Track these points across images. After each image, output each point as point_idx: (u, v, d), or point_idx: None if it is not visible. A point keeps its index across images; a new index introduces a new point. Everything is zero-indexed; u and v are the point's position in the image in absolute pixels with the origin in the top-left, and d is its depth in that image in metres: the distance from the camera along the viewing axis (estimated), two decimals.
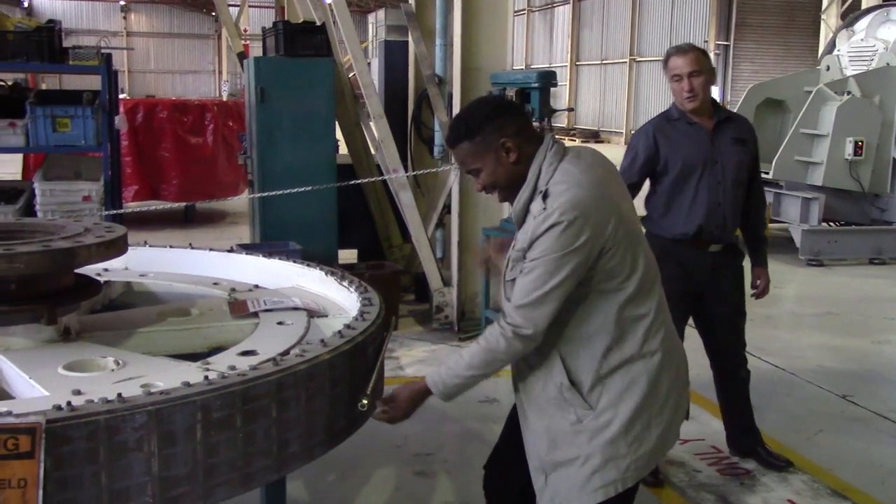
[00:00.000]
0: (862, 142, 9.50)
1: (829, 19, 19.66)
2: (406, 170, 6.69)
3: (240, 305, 3.03)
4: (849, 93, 9.89)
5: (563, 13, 36.18)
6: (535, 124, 5.95)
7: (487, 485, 2.83)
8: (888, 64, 10.14)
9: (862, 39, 10.79)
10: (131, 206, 9.08)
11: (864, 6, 15.00)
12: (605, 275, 2.32)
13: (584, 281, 2.31)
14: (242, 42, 13.86)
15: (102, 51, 7.05)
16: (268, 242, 6.00)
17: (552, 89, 5.93)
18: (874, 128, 9.70)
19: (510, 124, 2.39)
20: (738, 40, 26.68)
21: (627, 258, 2.33)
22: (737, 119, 4.06)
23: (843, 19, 13.88)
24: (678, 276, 3.78)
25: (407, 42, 7.53)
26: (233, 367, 2.30)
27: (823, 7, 20.53)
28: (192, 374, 2.28)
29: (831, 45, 11.64)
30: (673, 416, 2.47)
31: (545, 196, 2.30)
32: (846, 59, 10.78)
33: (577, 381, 2.38)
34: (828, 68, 10.94)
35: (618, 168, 3.76)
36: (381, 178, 6.67)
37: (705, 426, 4.58)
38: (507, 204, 6.44)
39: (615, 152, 24.80)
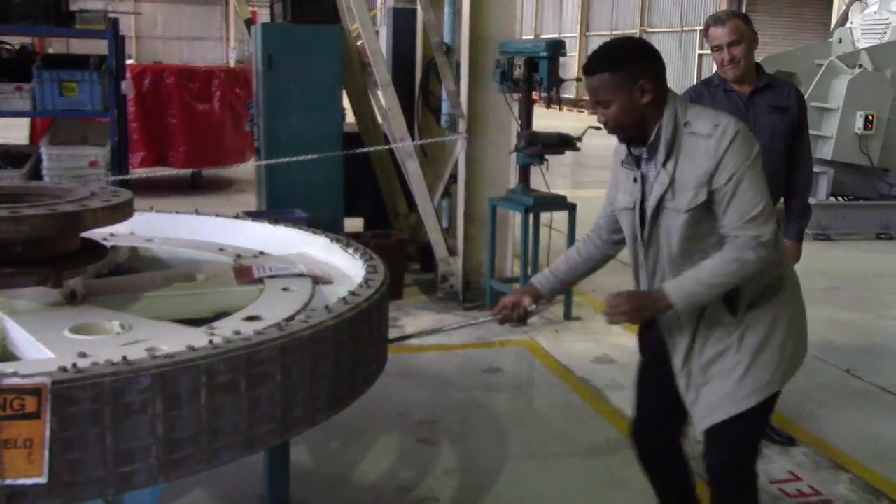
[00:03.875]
0: (872, 116, 9.42)
1: None
2: (413, 139, 6.67)
3: (245, 271, 3.03)
4: (860, 66, 9.79)
5: None
6: (543, 94, 5.93)
7: (640, 449, 2.95)
8: None
9: (875, 12, 10.67)
10: (138, 172, 9.07)
11: None
12: None
13: None
14: (250, 8, 13.77)
15: (109, 15, 7.01)
16: (274, 210, 6.00)
17: (561, 59, 5.89)
18: (885, 102, 9.61)
19: (652, 68, 2.48)
20: (751, 12, 26.32)
21: None
22: (779, 85, 3.97)
23: None
24: None
25: (415, 9, 7.47)
26: (237, 332, 2.30)
27: None
28: (197, 338, 2.29)
29: (844, 18, 11.52)
30: (805, 327, 2.72)
31: (688, 124, 2.45)
32: (858, 32, 10.67)
33: (742, 294, 2.52)
34: (840, 41, 10.82)
35: None
36: (387, 146, 6.65)
37: None
38: (513, 173, 6.43)
39: None
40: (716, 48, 3.80)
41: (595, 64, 2.47)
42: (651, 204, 2.52)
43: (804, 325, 2.72)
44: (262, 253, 3.41)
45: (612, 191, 2.74)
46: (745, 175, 2.40)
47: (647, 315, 2.56)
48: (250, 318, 2.54)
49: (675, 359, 2.65)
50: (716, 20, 3.81)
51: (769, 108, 3.86)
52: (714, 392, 2.57)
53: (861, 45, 10.36)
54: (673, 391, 2.69)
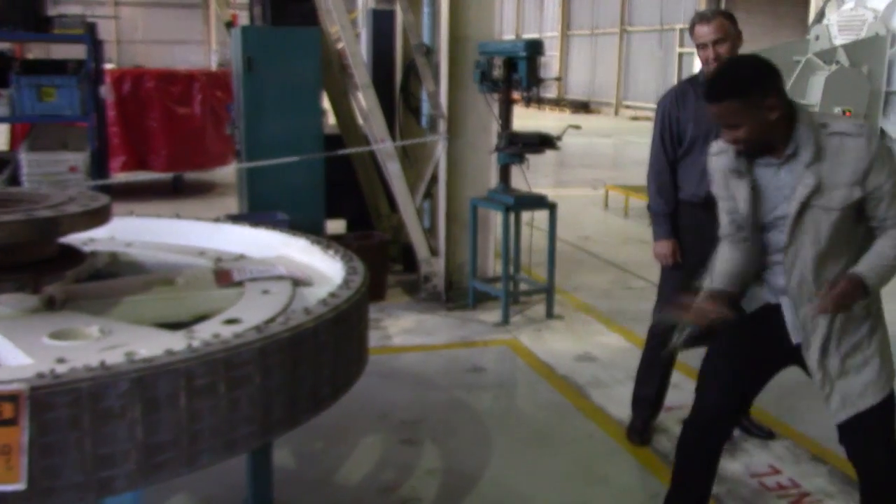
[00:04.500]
0: (850, 111, 9.50)
1: None
2: (394, 140, 6.68)
3: (225, 274, 3.04)
4: (837, 62, 9.87)
5: None
6: (523, 94, 5.95)
7: (696, 439, 3.01)
8: (877, 33, 10.11)
9: (851, 9, 10.75)
10: (119, 177, 9.04)
11: None
12: None
13: None
14: (230, 11, 13.73)
15: (87, 20, 6.99)
16: (256, 213, 6.00)
17: (542, 59, 5.92)
18: (862, 97, 9.69)
19: (774, 84, 2.56)
20: (729, 10, 26.53)
21: None
22: None
23: None
24: (694, 241, 3.91)
25: (394, 11, 7.48)
26: (217, 335, 2.31)
27: None
28: (176, 342, 2.29)
29: (820, 15, 11.59)
30: None
31: (826, 126, 2.59)
32: (835, 29, 10.74)
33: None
34: (817, 38, 10.89)
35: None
36: (368, 148, 6.66)
37: (689, 394, 4.61)
38: (494, 173, 6.41)
39: (606, 123, 24.47)
40: (701, 46, 3.82)
41: (720, 92, 2.55)
42: (794, 205, 2.60)
43: None
44: (242, 256, 3.41)
45: (730, 203, 2.81)
46: None
47: (851, 303, 2.61)
48: (230, 321, 2.55)
49: (811, 354, 2.73)
50: (702, 18, 3.83)
51: None
52: (854, 383, 2.71)
53: (838, 41, 10.43)
54: (750, 384, 2.95)
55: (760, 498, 3.66)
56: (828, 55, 10.07)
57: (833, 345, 2.72)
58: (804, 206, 2.60)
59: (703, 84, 3.91)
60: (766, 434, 4.21)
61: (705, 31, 3.78)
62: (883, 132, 9.91)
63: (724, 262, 2.89)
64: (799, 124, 2.58)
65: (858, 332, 2.72)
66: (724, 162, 2.77)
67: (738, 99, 2.52)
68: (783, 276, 2.74)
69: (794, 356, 2.82)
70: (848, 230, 2.64)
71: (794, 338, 2.77)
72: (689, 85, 4.01)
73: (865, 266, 2.61)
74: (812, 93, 9.61)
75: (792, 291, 2.73)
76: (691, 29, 3.89)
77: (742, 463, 3.96)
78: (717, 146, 2.84)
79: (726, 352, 2.96)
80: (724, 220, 2.88)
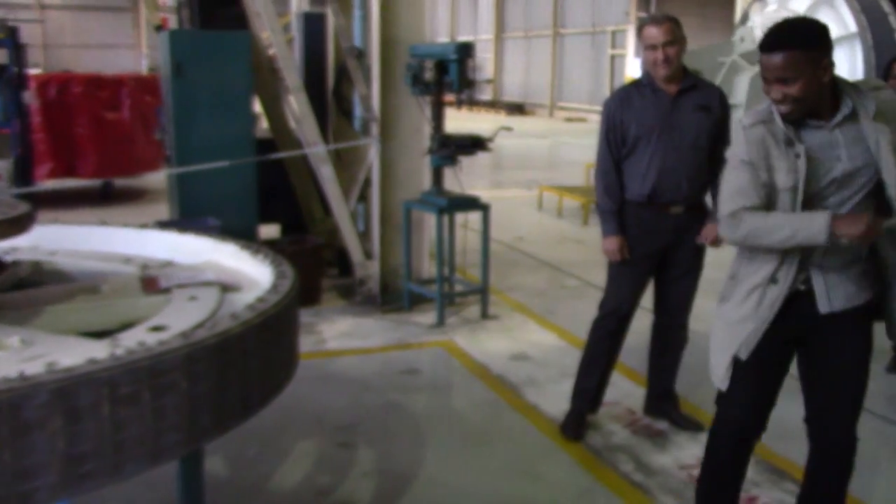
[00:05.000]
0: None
1: None
2: (327, 143, 6.66)
3: (151, 281, 3.00)
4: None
5: None
6: (456, 96, 6.00)
7: (741, 448, 3.07)
8: None
9: (774, 10, 11.05)
10: (46, 185, 8.84)
11: None
12: None
13: None
14: (160, 14, 13.51)
15: (9, 23, 6.83)
16: (186, 219, 5.92)
17: (476, 61, 5.97)
18: None
19: (831, 48, 2.59)
20: (660, 12, 27.04)
21: None
22: (704, 86, 4.12)
23: None
24: (641, 238, 4.05)
25: (326, 14, 7.46)
26: (141, 343, 2.29)
27: None
28: (99, 350, 2.27)
29: (745, 17, 11.90)
30: None
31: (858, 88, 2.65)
32: (759, 31, 11.02)
33: None
34: (742, 39, 11.17)
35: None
36: (300, 152, 6.63)
37: (622, 391, 4.71)
38: (427, 175, 6.42)
39: (541, 125, 24.68)
40: (650, 47, 3.91)
41: (783, 40, 2.54)
42: (884, 154, 2.61)
43: None
44: (169, 262, 3.38)
45: (766, 175, 2.69)
46: None
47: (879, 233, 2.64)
48: (156, 329, 2.53)
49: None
50: (653, 20, 3.96)
51: (694, 108, 4.01)
52: None
53: None
54: (774, 393, 2.96)
55: (690, 489, 3.74)
56: (752, 56, 10.34)
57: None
58: (872, 161, 2.63)
59: (647, 86, 4.02)
60: (695, 427, 4.30)
61: (656, 33, 3.89)
62: None
63: (779, 214, 2.70)
64: (844, 90, 2.64)
65: None
66: (760, 132, 2.69)
67: (802, 50, 2.52)
68: (820, 252, 2.72)
69: (810, 335, 2.86)
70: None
71: (822, 307, 2.77)
72: (633, 88, 4.11)
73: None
74: (738, 93, 9.86)
75: (845, 251, 2.70)
76: (640, 30, 4.00)
77: (672, 456, 4.05)
78: (751, 116, 2.75)
79: (754, 366, 2.88)
80: (751, 193, 2.69)
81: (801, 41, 2.53)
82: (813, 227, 2.59)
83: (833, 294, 2.78)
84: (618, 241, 4.07)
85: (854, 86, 2.68)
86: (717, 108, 4.08)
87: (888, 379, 5.03)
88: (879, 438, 4.28)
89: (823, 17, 10.47)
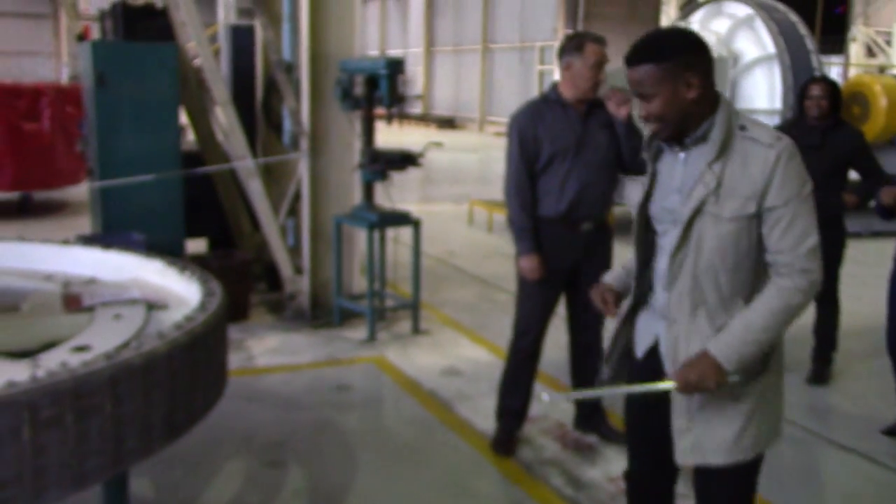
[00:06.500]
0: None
1: (669, 11, 20.60)
2: (255, 157, 6.58)
3: (74, 300, 2.92)
4: None
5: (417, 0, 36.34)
6: (394, 111, 5.98)
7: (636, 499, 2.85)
8: (720, 55, 10.72)
9: (697, 31, 11.36)
10: None
11: None
12: None
13: None
14: (82, 23, 13.21)
15: None
16: (109, 234, 5.78)
17: (406, 76, 5.97)
18: None
19: (700, 62, 2.31)
20: (587, 29, 27.55)
21: None
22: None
23: (682, 11, 14.55)
24: (553, 255, 4.05)
25: (254, 27, 7.39)
26: (64, 364, 2.22)
27: (663, 0, 21.47)
28: (19, 372, 2.19)
29: None
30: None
31: (745, 129, 2.30)
32: None
33: None
34: None
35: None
36: (228, 166, 6.54)
37: (550, 405, 4.74)
38: (359, 190, 6.37)
39: (471, 139, 24.80)
40: (597, 65, 3.95)
41: (638, 54, 2.31)
42: (690, 207, 2.32)
43: (783, 381, 2.55)
44: (93, 280, 3.29)
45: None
46: (805, 202, 2.27)
47: (715, 387, 2.32)
48: (78, 349, 2.46)
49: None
50: (595, 39, 3.97)
51: (600, 125, 4.05)
52: (715, 433, 2.40)
53: None
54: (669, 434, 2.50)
55: (618, 502, 3.79)
56: None
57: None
58: (698, 210, 2.31)
59: (556, 102, 4.06)
60: (624, 440, 4.35)
61: (601, 53, 3.97)
62: None
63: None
64: (717, 116, 2.32)
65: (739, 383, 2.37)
66: (655, 146, 2.50)
67: (656, 64, 2.27)
68: (661, 289, 2.45)
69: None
70: (739, 253, 2.32)
71: (667, 366, 2.45)
72: (542, 103, 4.11)
73: (726, 342, 2.30)
74: None
75: (672, 307, 2.41)
76: (579, 48, 3.94)
77: (601, 469, 4.09)
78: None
79: (637, 413, 2.71)
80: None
81: (656, 54, 2.28)
82: None
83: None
84: (536, 258, 4.04)
85: (731, 119, 2.33)
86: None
87: (808, 390, 5.19)
88: (800, 448, 4.41)
89: (743, 38, 10.84)
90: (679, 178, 2.39)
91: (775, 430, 2.49)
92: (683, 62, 2.27)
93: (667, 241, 2.42)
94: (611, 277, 2.71)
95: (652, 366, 2.52)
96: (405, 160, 5.94)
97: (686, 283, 2.36)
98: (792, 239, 2.26)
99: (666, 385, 2.36)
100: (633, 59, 2.31)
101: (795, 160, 2.27)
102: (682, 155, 2.39)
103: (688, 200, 2.33)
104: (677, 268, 2.38)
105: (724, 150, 2.30)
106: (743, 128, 2.31)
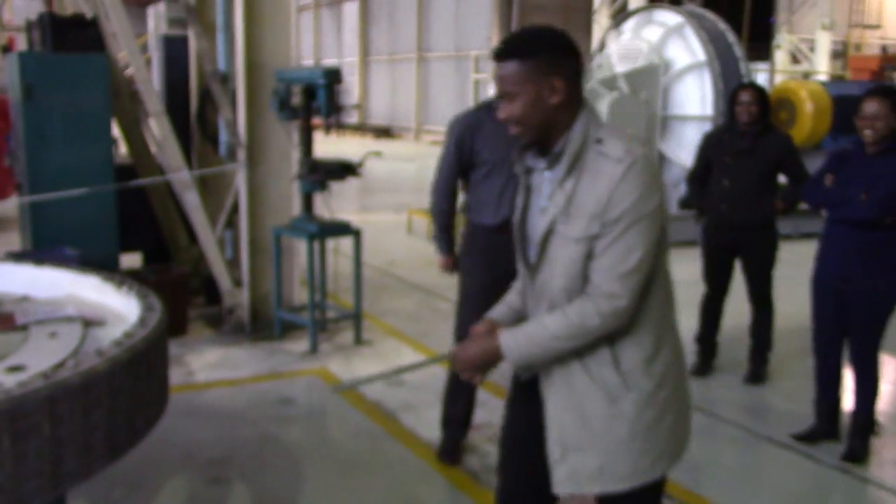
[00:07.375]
0: (631, 135, 10.18)
1: (601, 20, 20.90)
2: (191, 169, 6.48)
3: (7, 318, 2.84)
4: (618, 89, 10.58)
5: (351, 9, 36.26)
6: (324, 121, 5.95)
7: (504, 463, 2.58)
8: (652, 62, 10.93)
9: (629, 39, 11.55)
10: None
11: (630, 8, 16.05)
12: (663, 244, 2.20)
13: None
14: (6, 34, 12.88)
15: None
16: (40, 249, 5.63)
17: (342, 85, 5.94)
18: (641, 121, 10.44)
19: (567, 65, 2.16)
20: None
21: (663, 227, 2.19)
22: None
23: (614, 20, 14.80)
24: (487, 265, 4.05)
25: (188, 36, 7.28)
26: None
27: (595, 8, 21.77)
28: None
29: (602, 44, 12.39)
30: (689, 408, 2.39)
31: (601, 142, 2.13)
32: (616, 58, 11.51)
33: (621, 363, 2.20)
34: (600, 66, 11.62)
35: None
36: (163, 178, 6.43)
37: (494, 410, 4.75)
38: (297, 201, 6.34)
39: (408, 148, 24.86)
40: None
41: (506, 49, 2.16)
42: (542, 226, 2.19)
43: (685, 410, 2.38)
44: (25, 297, 3.20)
45: None
46: (640, 220, 2.09)
47: (488, 370, 2.33)
48: (13, 369, 2.39)
49: (548, 409, 2.32)
50: None
51: None
52: (592, 460, 2.24)
53: (618, 69, 11.19)
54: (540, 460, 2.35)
55: None
56: (610, 82, 10.78)
57: (575, 405, 2.25)
58: (550, 230, 2.18)
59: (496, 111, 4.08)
60: None
61: None
62: (662, 155, 10.72)
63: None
64: (574, 129, 2.16)
65: (616, 402, 2.21)
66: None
67: (521, 61, 2.13)
68: (533, 309, 2.33)
69: None
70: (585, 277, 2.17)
71: (542, 384, 2.34)
72: (483, 113, 4.13)
73: (515, 336, 2.23)
74: None
75: None
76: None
77: None
78: None
79: (510, 431, 2.56)
80: None
81: (522, 51, 2.14)
82: None
83: None
84: (452, 257, 4.29)
85: (588, 130, 2.17)
86: None
87: (746, 390, 5.30)
88: (739, 446, 4.49)
89: (674, 46, 11.05)
90: (545, 194, 2.25)
91: (672, 454, 2.29)
92: (548, 62, 2.13)
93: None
94: (495, 314, 2.53)
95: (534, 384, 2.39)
96: (344, 170, 5.92)
97: (545, 305, 2.26)
98: (610, 258, 2.10)
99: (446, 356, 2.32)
100: (499, 55, 2.18)
101: (643, 176, 2.09)
102: (547, 173, 2.24)
103: (541, 221, 2.21)
104: (539, 290, 2.28)
105: (574, 166, 2.14)
106: (599, 140, 2.14)
